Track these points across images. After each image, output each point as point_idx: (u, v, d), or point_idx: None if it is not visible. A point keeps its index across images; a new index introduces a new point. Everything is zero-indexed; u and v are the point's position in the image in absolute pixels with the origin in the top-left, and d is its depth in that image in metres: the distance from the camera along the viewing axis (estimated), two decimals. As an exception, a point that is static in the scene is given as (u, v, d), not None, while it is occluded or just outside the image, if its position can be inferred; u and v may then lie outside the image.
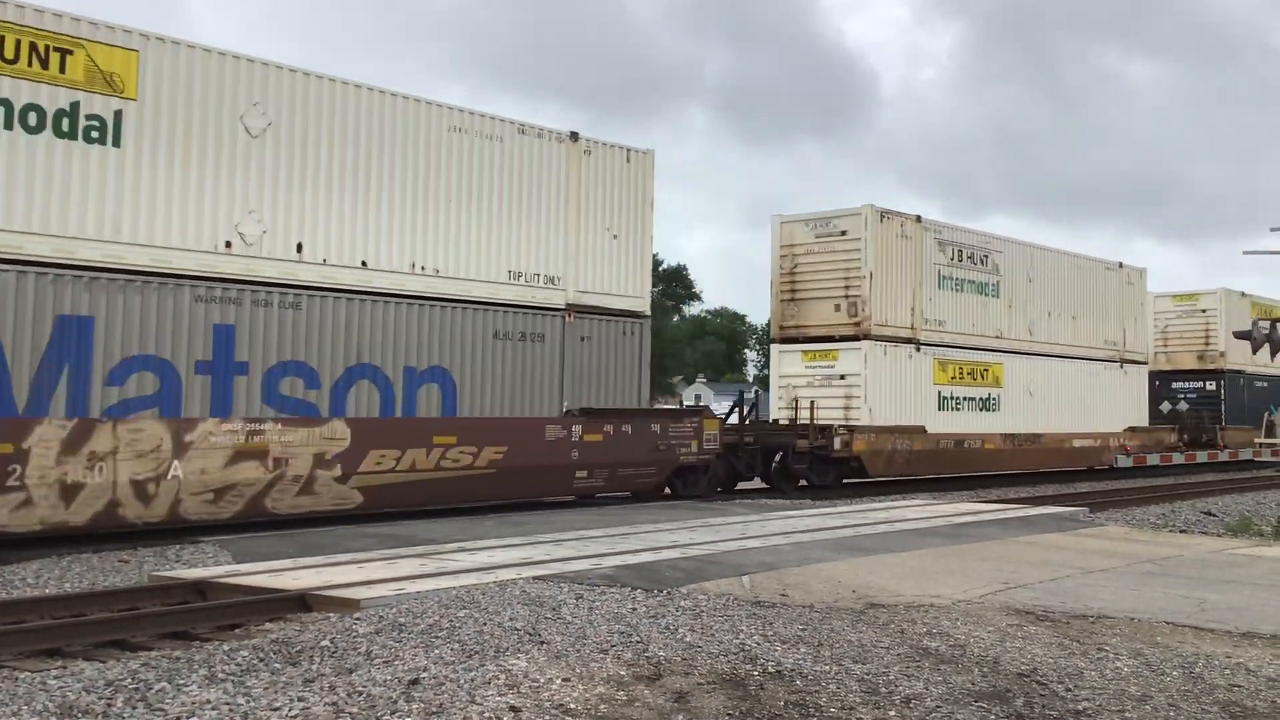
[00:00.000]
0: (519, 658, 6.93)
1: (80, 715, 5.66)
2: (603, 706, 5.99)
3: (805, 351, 24.42)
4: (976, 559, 12.12)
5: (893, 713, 6.13)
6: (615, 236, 19.03)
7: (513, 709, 5.85)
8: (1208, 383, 37.90)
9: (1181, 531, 17.16)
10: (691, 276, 62.57)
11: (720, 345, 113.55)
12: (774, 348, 25.28)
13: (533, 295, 17.74)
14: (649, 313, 19.74)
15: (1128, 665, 7.29)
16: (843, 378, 23.76)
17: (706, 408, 21.94)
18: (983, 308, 26.83)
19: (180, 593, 9.33)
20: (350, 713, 5.73)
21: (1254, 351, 40.72)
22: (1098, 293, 31.18)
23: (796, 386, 24.24)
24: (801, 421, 23.21)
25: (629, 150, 19.54)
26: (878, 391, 23.66)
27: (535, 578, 9.80)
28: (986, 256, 27.22)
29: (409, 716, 5.69)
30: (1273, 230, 44.71)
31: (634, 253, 19.42)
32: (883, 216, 24.16)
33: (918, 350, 24.75)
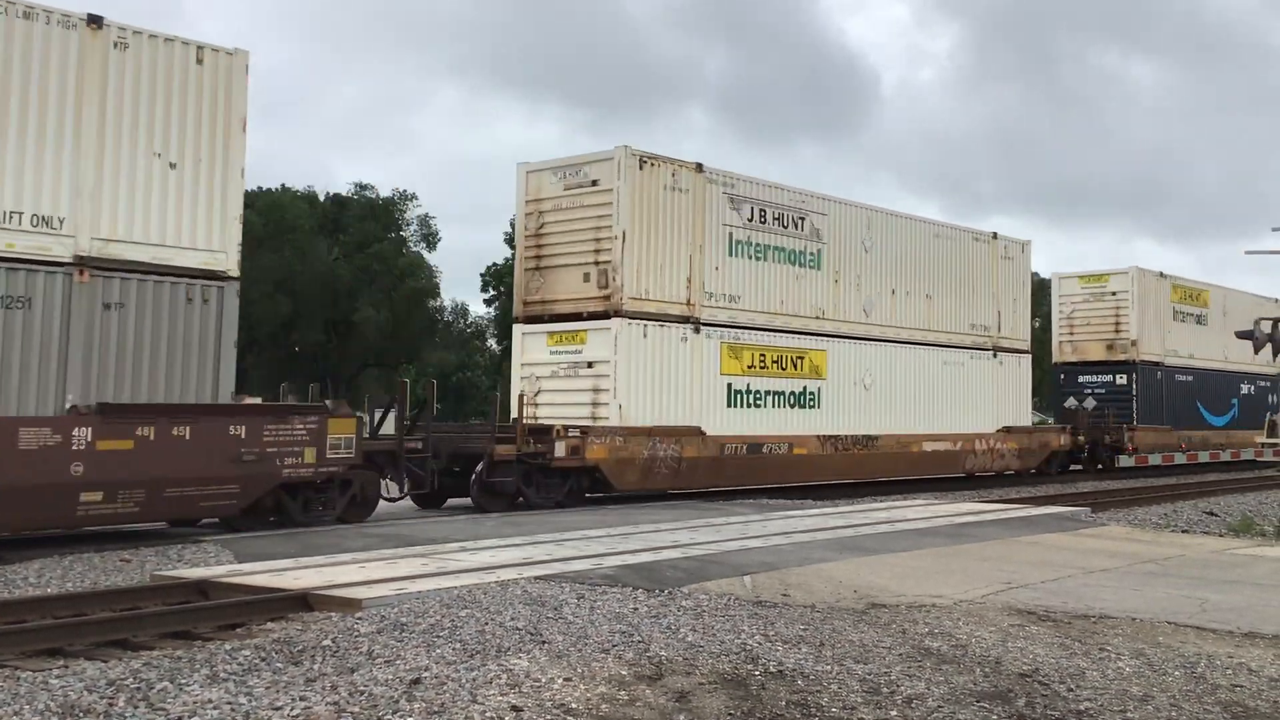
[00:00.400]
0: (520, 657, 6.93)
1: (82, 715, 5.66)
2: (604, 706, 5.99)
3: (550, 333, 19.81)
4: (978, 559, 12.12)
5: (894, 713, 6.12)
6: (173, 165, 13.97)
7: (514, 709, 5.85)
8: (1118, 376, 33.13)
9: (1183, 531, 17.15)
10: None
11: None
12: (516, 329, 20.60)
13: (6, 243, 12.78)
14: (237, 273, 14.61)
15: (1130, 665, 7.29)
16: (590, 365, 19.18)
17: (338, 404, 15.47)
18: (797, 282, 22.21)
19: (182, 592, 9.34)
20: (352, 712, 5.73)
21: (1256, 352, 40.04)
22: (964, 268, 26.51)
23: (540, 377, 19.74)
24: (530, 422, 18.85)
25: (201, 48, 14.38)
26: (633, 383, 19.08)
27: (536, 577, 9.80)
28: (803, 219, 22.43)
29: (411, 716, 5.70)
30: (1274, 230, 44.79)
31: (210, 189, 14.36)
32: (643, 161, 19.47)
33: (696, 332, 20.15)
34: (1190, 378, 35.28)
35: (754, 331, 21.37)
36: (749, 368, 21.18)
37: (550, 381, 19.67)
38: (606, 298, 19.17)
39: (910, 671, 6.92)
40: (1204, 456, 34.13)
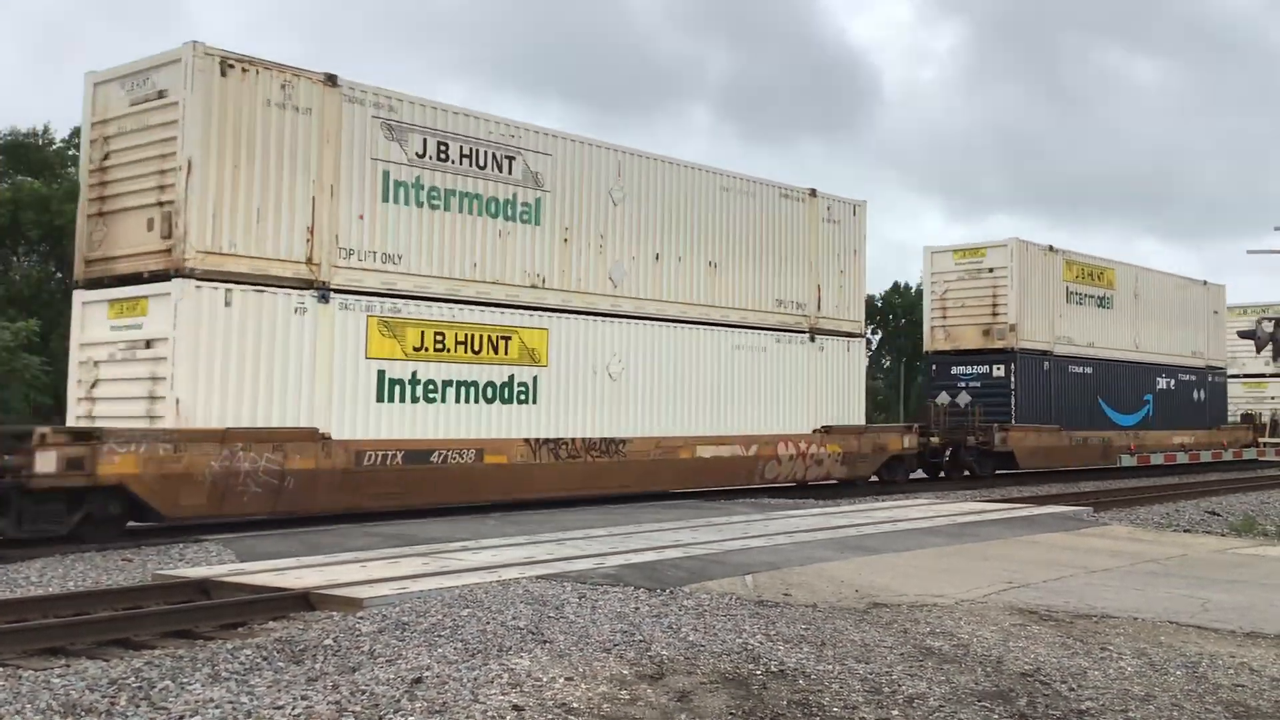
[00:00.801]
0: (522, 657, 6.93)
1: (84, 713, 5.66)
2: (606, 705, 5.99)
3: (111, 302, 14.72)
4: (980, 558, 12.11)
5: (896, 712, 6.12)
6: None
7: (516, 708, 5.85)
8: (995, 366, 28.19)
9: (1185, 531, 17.14)
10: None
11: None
12: (76, 297, 15.30)
13: None
14: None
15: (1131, 665, 7.28)
16: (149, 345, 14.16)
17: None
18: (501, 240, 17.20)
19: (183, 591, 9.35)
20: (353, 711, 5.74)
21: (1258, 351, 39.46)
22: (769, 231, 21.60)
23: (98, 362, 14.66)
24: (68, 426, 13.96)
25: None
26: (203, 369, 13.88)
27: (538, 577, 9.80)
28: (512, 159, 17.42)
29: (412, 715, 5.70)
30: (1277, 229, 43.77)
31: None
32: (228, 65, 14.36)
33: (324, 301, 15.03)
34: (1088, 369, 30.24)
35: (427, 303, 16.33)
36: (417, 350, 16.14)
37: (109, 368, 14.57)
38: (169, 251, 14.06)
39: (912, 671, 6.92)
40: (1205, 456, 32.28)
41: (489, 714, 5.75)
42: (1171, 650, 7.72)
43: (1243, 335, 37.50)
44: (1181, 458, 32.49)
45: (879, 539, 13.26)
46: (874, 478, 23.92)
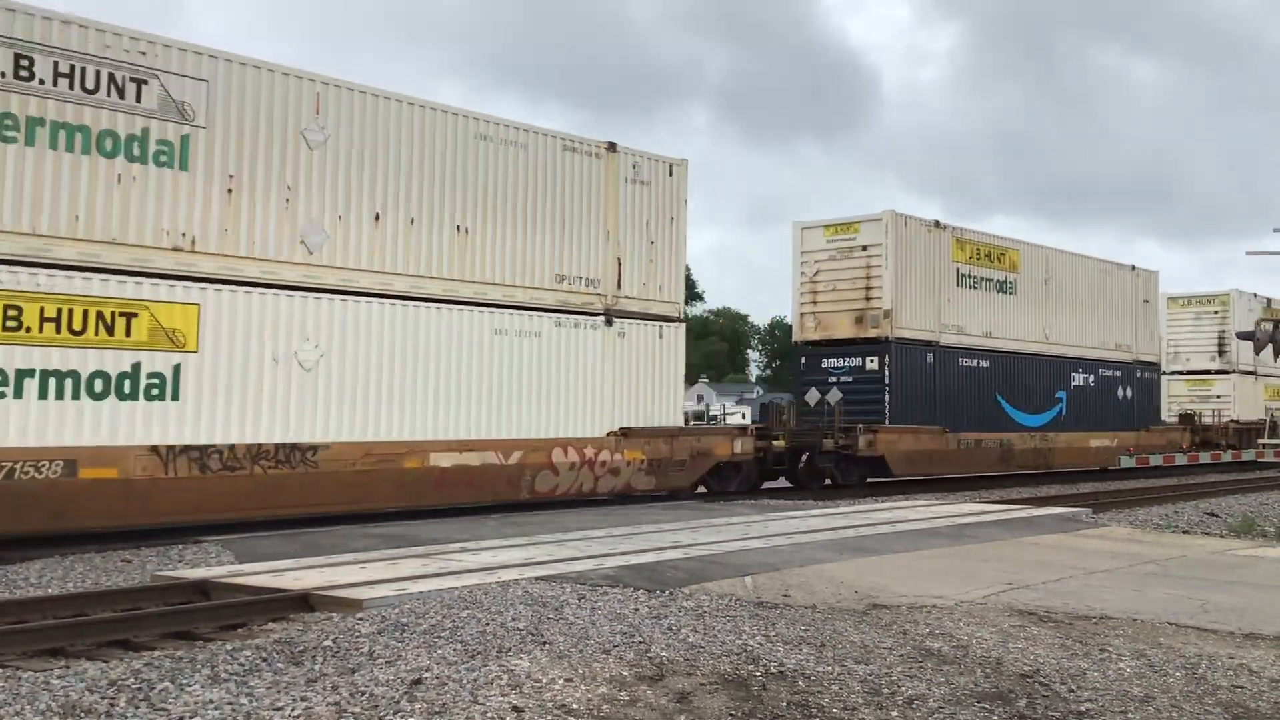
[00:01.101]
0: (521, 658, 6.93)
1: (83, 715, 5.67)
2: (605, 707, 5.99)
3: None
4: (979, 559, 12.12)
5: (895, 713, 6.13)
6: None
7: (515, 709, 5.86)
8: (869, 359, 24.64)
9: (1184, 532, 17.15)
10: (694, 276, 62.12)
11: (723, 346, 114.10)
12: None
13: None
14: None
15: (1130, 666, 7.29)
16: None
17: None
18: (121, 186, 13.35)
19: (183, 592, 9.35)
20: (353, 713, 5.74)
21: (1257, 352, 39.21)
22: (544, 191, 17.85)
23: None
24: None
25: None
26: None
27: (538, 578, 9.81)
28: (141, 83, 13.53)
29: (411, 716, 5.70)
30: (1276, 230, 43.55)
31: None
32: None
33: None
34: (984, 363, 26.71)
35: None
36: None
37: None
38: None
39: (911, 672, 6.92)
40: (1205, 457, 31.63)
41: (488, 715, 5.75)
42: (1170, 651, 7.73)
43: (1241, 336, 37.20)
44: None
45: (878, 540, 13.27)
46: (701, 489, 20.70)
